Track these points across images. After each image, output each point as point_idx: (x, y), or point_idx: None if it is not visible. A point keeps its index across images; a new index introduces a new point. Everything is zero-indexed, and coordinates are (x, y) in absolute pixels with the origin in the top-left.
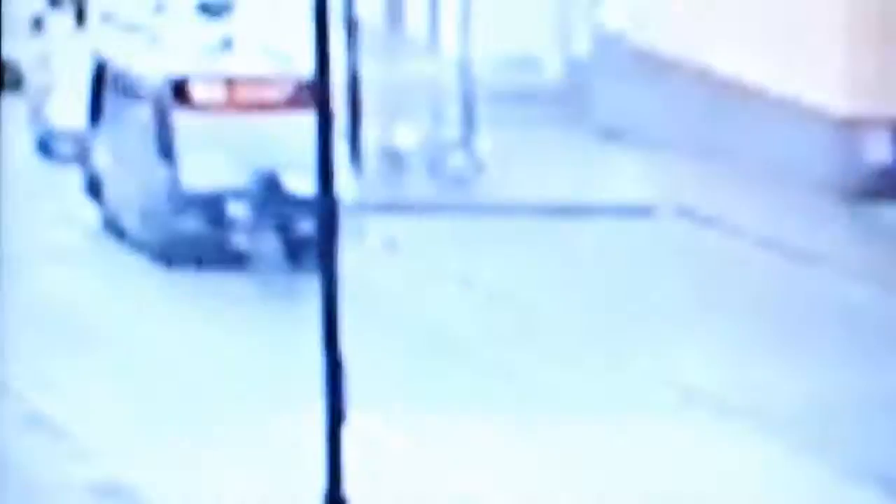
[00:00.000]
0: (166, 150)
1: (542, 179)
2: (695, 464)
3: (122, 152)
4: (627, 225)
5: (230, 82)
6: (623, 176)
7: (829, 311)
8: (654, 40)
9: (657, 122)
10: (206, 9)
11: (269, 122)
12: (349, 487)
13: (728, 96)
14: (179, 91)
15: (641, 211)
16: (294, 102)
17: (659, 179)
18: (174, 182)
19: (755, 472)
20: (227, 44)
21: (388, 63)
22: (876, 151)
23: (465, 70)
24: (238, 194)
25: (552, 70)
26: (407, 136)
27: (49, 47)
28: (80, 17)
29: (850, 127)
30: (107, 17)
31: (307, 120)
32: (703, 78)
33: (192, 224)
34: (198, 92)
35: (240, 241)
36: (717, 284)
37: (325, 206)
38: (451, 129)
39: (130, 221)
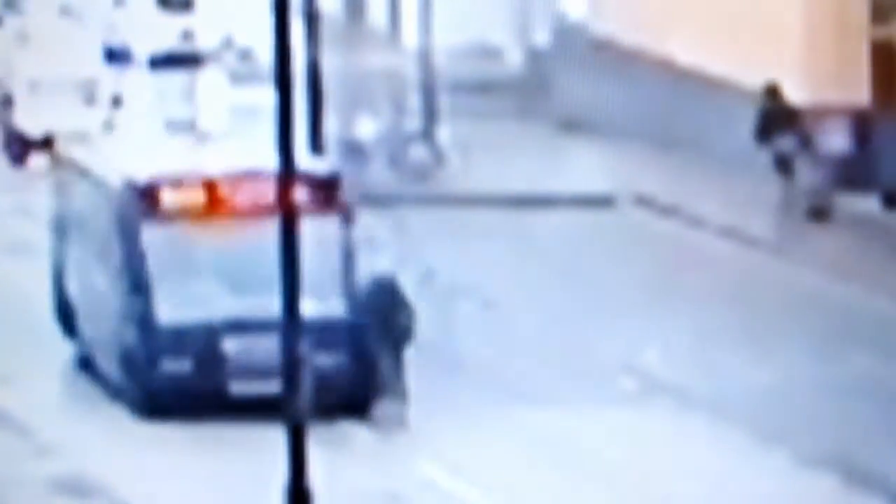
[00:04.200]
0: (135, 275)
1: (503, 170)
2: (655, 453)
3: (89, 276)
4: (588, 215)
5: (210, 184)
6: (583, 166)
7: (788, 300)
8: (615, 31)
9: (618, 113)
10: (166, 3)
11: (262, 231)
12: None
13: (688, 86)
14: (147, 198)
15: (602, 201)
16: (298, 204)
17: (619, 169)
18: (147, 315)
19: (716, 460)
20: (187, 36)
21: (348, 54)
22: (834, 142)
23: (425, 61)
24: (234, 326)
25: (513, 60)
26: (367, 128)
27: (9, 50)
28: None
29: (809, 116)
30: (65, 11)
31: (312, 225)
32: (664, 68)
33: (174, 367)
34: (170, 198)
35: (240, 386)
36: (677, 274)
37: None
38: (412, 121)
39: (106, 364)
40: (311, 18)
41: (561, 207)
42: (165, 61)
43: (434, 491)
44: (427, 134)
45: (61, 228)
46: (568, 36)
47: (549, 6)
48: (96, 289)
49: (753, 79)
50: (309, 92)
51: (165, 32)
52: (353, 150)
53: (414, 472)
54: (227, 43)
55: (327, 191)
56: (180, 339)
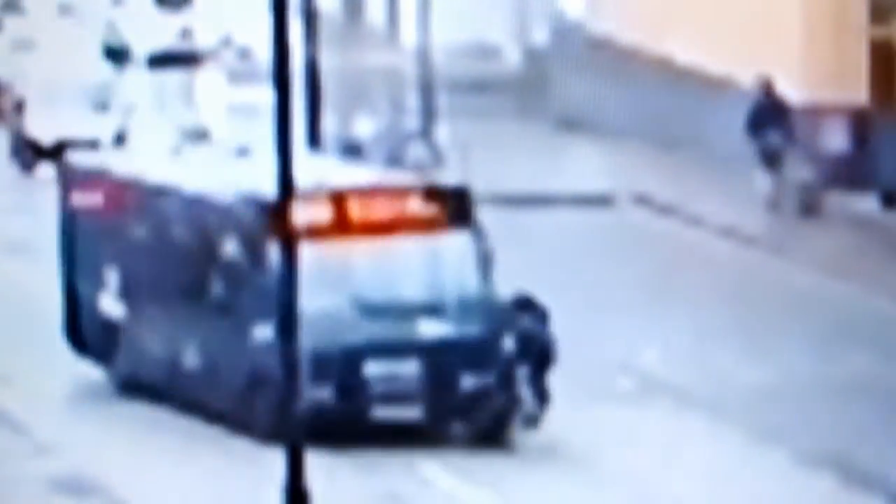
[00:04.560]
0: (266, 298)
1: (501, 169)
2: (653, 451)
3: (160, 297)
4: (586, 214)
5: (338, 198)
6: (582, 165)
7: (787, 299)
8: (613, 30)
9: (616, 112)
10: (163, 1)
11: (394, 248)
12: None
13: (686, 85)
14: (274, 216)
15: (600, 200)
16: (430, 220)
17: (617, 169)
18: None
19: (713, 458)
20: (186, 35)
21: (346, 53)
22: (833, 140)
23: (423, 60)
24: (375, 350)
25: (511, 59)
26: (366, 127)
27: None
28: None
29: (808, 115)
30: (65, 11)
31: (442, 242)
32: (662, 67)
33: (315, 393)
34: (300, 215)
35: (383, 411)
36: (676, 273)
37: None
38: (411, 120)
39: (205, 391)
40: (310, 17)
41: (559, 206)
42: (164, 60)
43: None
44: (425, 133)
45: (81, 243)
46: (566, 35)
47: (547, 5)
48: (179, 310)
49: (752, 78)
50: (307, 91)
51: (164, 31)
52: (352, 149)
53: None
54: (226, 42)
55: (457, 205)
56: (321, 364)
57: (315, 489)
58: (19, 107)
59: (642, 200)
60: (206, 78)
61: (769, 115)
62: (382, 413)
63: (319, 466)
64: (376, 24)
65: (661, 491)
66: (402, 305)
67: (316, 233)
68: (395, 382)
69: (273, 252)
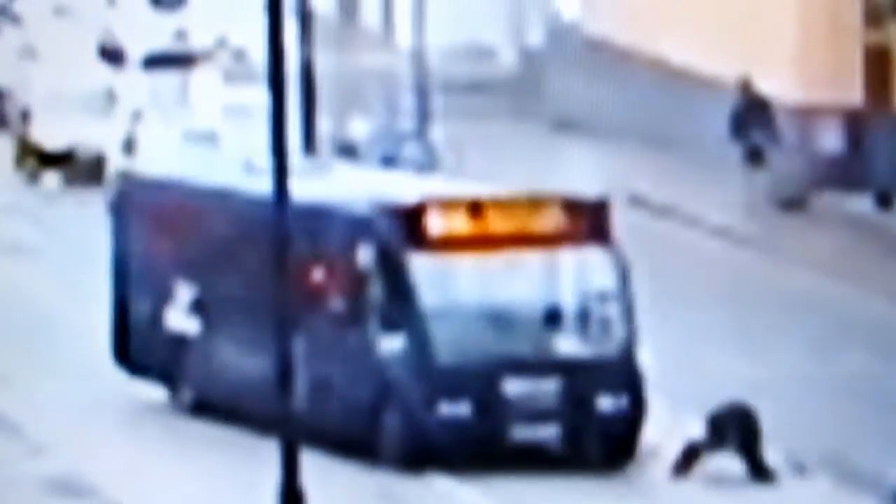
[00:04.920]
0: (403, 311)
1: (497, 170)
2: (647, 452)
3: (247, 313)
4: None
5: (476, 207)
6: (577, 165)
7: (782, 299)
8: (609, 31)
9: (611, 112)
10: (158, 1)
11: (534, 260)
12: None
13: (681, 86)
14: (413, 224)
15: None
16: (567, 233)
17: (613, 169)
18: (423, 356)
19: (708, 459)
20: (181, 36)
21: (342, 54)
22: (828, 141)
23: (419, 61)
24: (515, 367)
25: (506, 60)
26: (361, 128)
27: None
28: None
29: (803, 116)
30: (59, 11)
31: (580, 257)
32: (657, 68)
33: (453, 411)
34: (436, 224)
35: (521, 431)
36: (671, 273)
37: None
38: (406, 120)
39: (318, 410)
40: (305, 18)
41: None
42: (159, 61)
43: None
44: (421, 134)
45: (142, 258)
46: (561, 36)
47: (542, 6)
48: (259, 325)
49: (734, 79)
50: (302, 92)
51: (159, 32)
52: (347, 149)
53: None
54: (221, 42)
55: (596, 218)
56: (459, 380)
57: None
58: (24, 114)
59: (638, 201)
60: (202, 79)
61: (751, 114)
62: (521, 434)
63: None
64: (371, 24)
65: (654, 491)
66: (539, 321)
67: (452, 243)
68: (534, 401)
69: (408, 261)
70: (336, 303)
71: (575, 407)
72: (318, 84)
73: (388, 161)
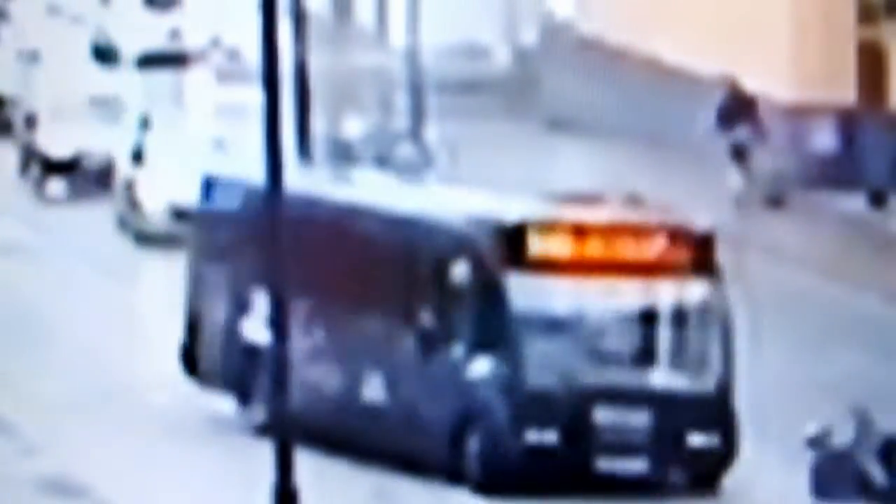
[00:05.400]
0: (495, 331)
1: (491, 169)
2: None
3: (328, 327)
4: None
5: (580, 231)
6: (571, 165)
7: (778, 299)
8: (602, 30)
9: (605, 112)
10: (152, 1)
11: (632, 289)
12: None
13: (675, 85)
14: (513, 243)
15: None
16: (670, 263)
17: (607, 168)
18: (513, 379)
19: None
20: (175, 35)
21: (335, 53)
22: (821, 140)
23: (412, 60)
24: (606, 396)
25: (500, 59)
26: (355, 127)
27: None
28: None
29: (796, 115)
30: (53, 11)
31: (686, 289)
32: (651, 67)
33: (540, 438)
34: (536, 245)
35: (608, 462)
36: None
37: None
38: (400, 120)
39: (379, 430)
40: (299, 18)
41: None
42: (153, 61)
43: None
44: (415, 133)
45: (219, 265)
46: (555, 35)
47: (536, 5)
48: (360, 338)
49: (741, 78)
50: (296, 91)
51: (152, 32)
52: (341, 149)
53: None
54: (215, 42)
55: (702, 250)
56: (549, 407)
57: None
58: (29, 121)
59: (631, 199)
60: (196, 79)
61: (735, 111)
62: (607, 465)
63: None
64: (365, 24)
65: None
66: (633, 351)
67: (552, 266)
68: (623, 433)
69: (505, 281)
70: (425, 318)
71: (664, 441)
72: (311, 83)
73: (382, 160)
